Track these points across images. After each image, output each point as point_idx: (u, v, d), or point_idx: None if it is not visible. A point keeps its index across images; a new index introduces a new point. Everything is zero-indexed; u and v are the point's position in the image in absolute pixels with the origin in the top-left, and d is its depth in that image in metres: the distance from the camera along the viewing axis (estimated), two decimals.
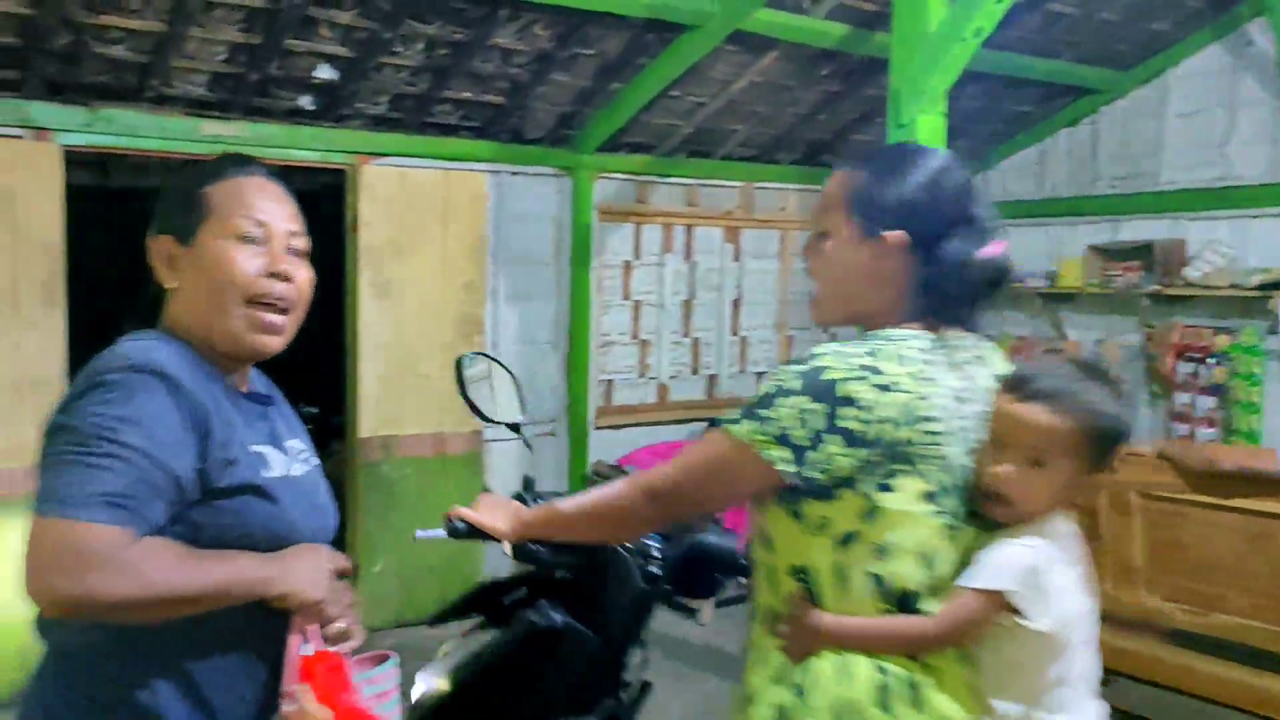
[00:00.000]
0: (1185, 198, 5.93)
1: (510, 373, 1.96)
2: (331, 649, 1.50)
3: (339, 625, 1.52)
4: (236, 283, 1.54)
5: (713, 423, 1.61)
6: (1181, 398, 5.84)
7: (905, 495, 1.49)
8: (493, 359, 2.18)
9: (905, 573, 1.52)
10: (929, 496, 1.50)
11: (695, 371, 6.32)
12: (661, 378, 6.17)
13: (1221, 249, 5.61)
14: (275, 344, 1.58)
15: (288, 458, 1.60)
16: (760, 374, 6.60)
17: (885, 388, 1.48)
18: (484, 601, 2.05)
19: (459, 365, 2.12)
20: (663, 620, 5.20)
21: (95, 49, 4.15)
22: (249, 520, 1.48)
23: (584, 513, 1.77)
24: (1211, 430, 5.72)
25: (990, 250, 1.58)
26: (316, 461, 1.72)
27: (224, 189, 1.57)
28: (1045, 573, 1.52)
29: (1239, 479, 3.58)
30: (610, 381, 5.99)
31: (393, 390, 5.05)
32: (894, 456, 1.48)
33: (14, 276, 4.13)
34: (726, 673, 4.62)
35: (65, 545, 1.30)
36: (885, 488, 1.49)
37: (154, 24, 4.10)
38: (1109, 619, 3.51)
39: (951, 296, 1.57)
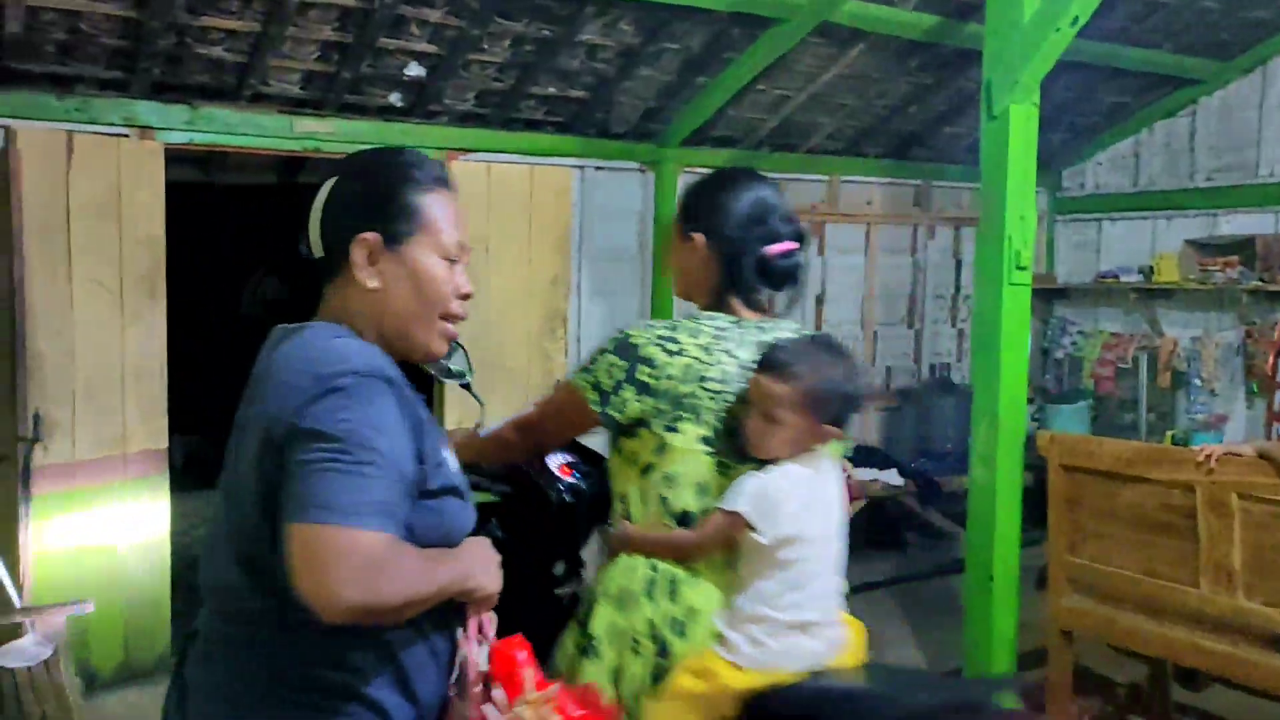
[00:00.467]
0: None
1: (460, 345, 2.20)
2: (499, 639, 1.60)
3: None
4: (443, 300, 1.60)
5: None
6: None
7: (687, 437, 1.94)
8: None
9: (686, 497, 1.96)
10: (705, 440, 1.94)
11: None
12: None
13: None
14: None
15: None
16: None
17: (675, 353, 1.94)
18: None
19: None
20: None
21: (196, 50, 4.28)
22: (449, 520, 1.54)
23: (487, 439, 2.30)
24: None
25: (779, 248, 2.02)
26: None
27: (436, 202, 1.60)
28: (776, 499, 1.88)
29: None
30: None
31: (479, 384, 5.10)
32: (678, 406, 1.93)
33: (119, 271, 4.28)
34: None
35: (353, 554, 1.30)
36: (672, 429, 1.94)
37: (251, 24, 4.21)
38: (1205, 622, 3.41)
39: (748, 285, 2.02)
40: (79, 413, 4.18)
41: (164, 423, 4.47)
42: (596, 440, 2.18)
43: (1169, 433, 6.06)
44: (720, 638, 1.91)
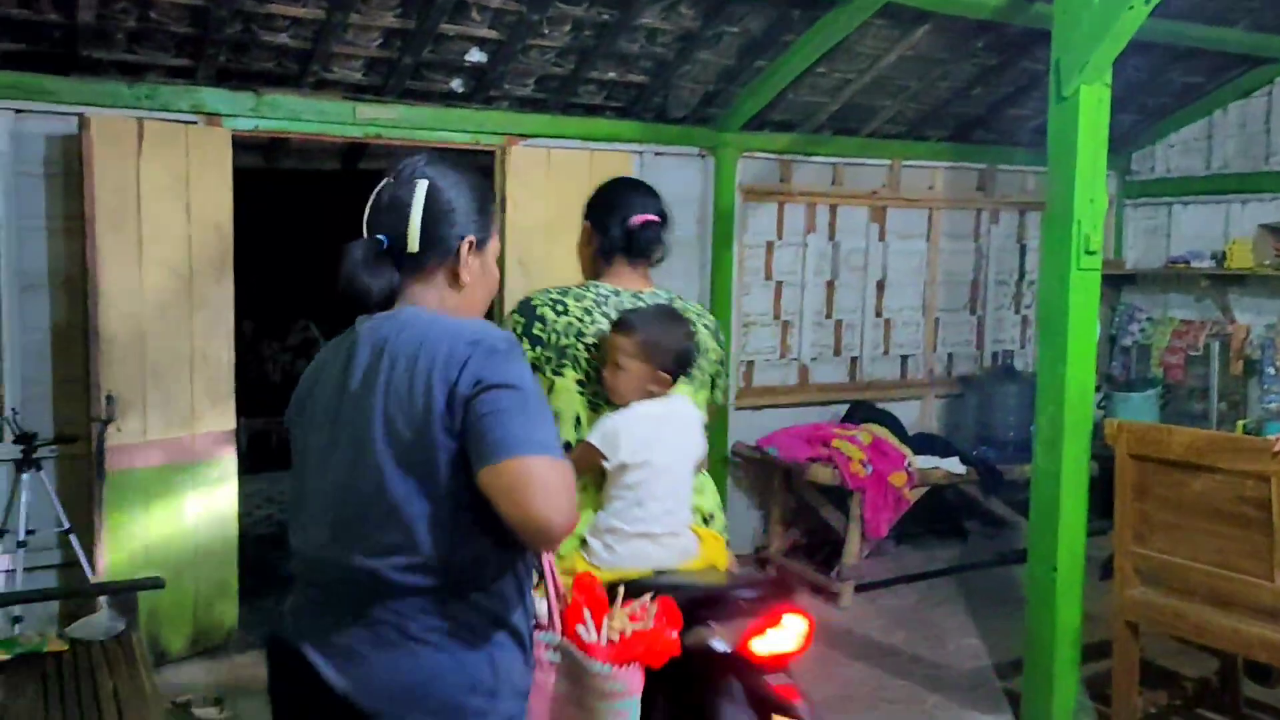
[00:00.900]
0: None
1: None
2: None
3: None
4: (494, 295, 1.94)
5: None
6: None
7: (568, 380, 2.46)
8: None
9: (567, 430, 2.45)
10: (580, 383, 2.47)
11: (837, 353, 6.23)
12: (803, 359, 6.11)
13: None
14: None
15: None
16: (905, 357, 6.46)
17: (561, 313, 2.45)
18: None
19: None
20: (802, 604, 5.18)
21: (262, 37, 4.34)
22: None
23: None
24: None
25: (638, 219, 2.53)
26: None
27: (495, 213, 1.87)
28: (620, 433, 2.34)
29: None
30: (751, 362, 5.96)
31: None
32: (561, 355, 2.45)
33: (188, 256, 4.36)
34: (869, 658, 4.56)
35: (562, 481, 1.54)
36: (558, 374, 2.46)
37: (315, 11, 4.26)
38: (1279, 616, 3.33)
39: (617, 255, 2.54)
40: (149, 394, 4.27)
41: (231, 404, 4.56)
42: None
43: (1240, 422, 5.90)
44: (584, 544, 2.40)
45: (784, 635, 2.27)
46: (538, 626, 1.85)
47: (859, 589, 5.29)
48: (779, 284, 5.98)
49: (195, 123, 4.45)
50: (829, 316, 6.17)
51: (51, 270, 4.31)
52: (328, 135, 4.85)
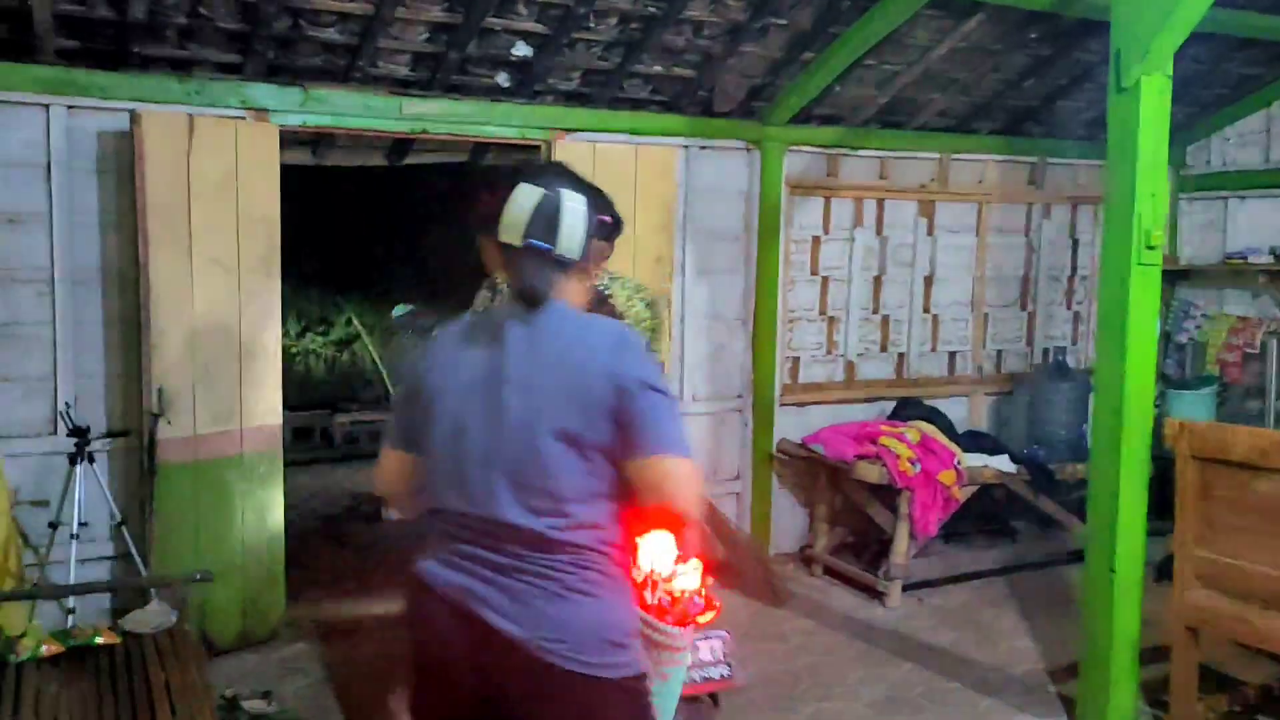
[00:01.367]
0: None
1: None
2: None
3: None
4: None
5: None
6: None
7: None
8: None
9: None
10: None
11: (884, 349, 6.15)
12: (849, 355, 6.03)
13: None
14: None
15: None
16: (953, 354, 6.36)
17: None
18: None
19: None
20: (848, 603, 5.12)
21: (309, 32, 4.34)
22: None
23: None
24: None
25: (598, 217, 2.68)
26: None
27: None
28: None
29: None
30: (797, 358, 5.89)
31: None
32: None
33: (236, 251, 4.37)
34: (917, 659, 4.49)
35: (698, 479, 1.89)
36: None
37: (363, 6, 4.25)
38: None
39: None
40: (198, 388, 4.30)
41: (278, 399, 4.58)
42: None
43: None
44: None
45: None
46: None
47: (906, 588, 5.21)
48: (825, 279, 5.91)
49: (244, 118, 4.47)
50: (875, 312, 6.09)
51: (104, 265, 4.35)
52: (374, 130, 4.85)
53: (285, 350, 4.67)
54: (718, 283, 5.61)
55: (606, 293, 3.34)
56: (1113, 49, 3.65)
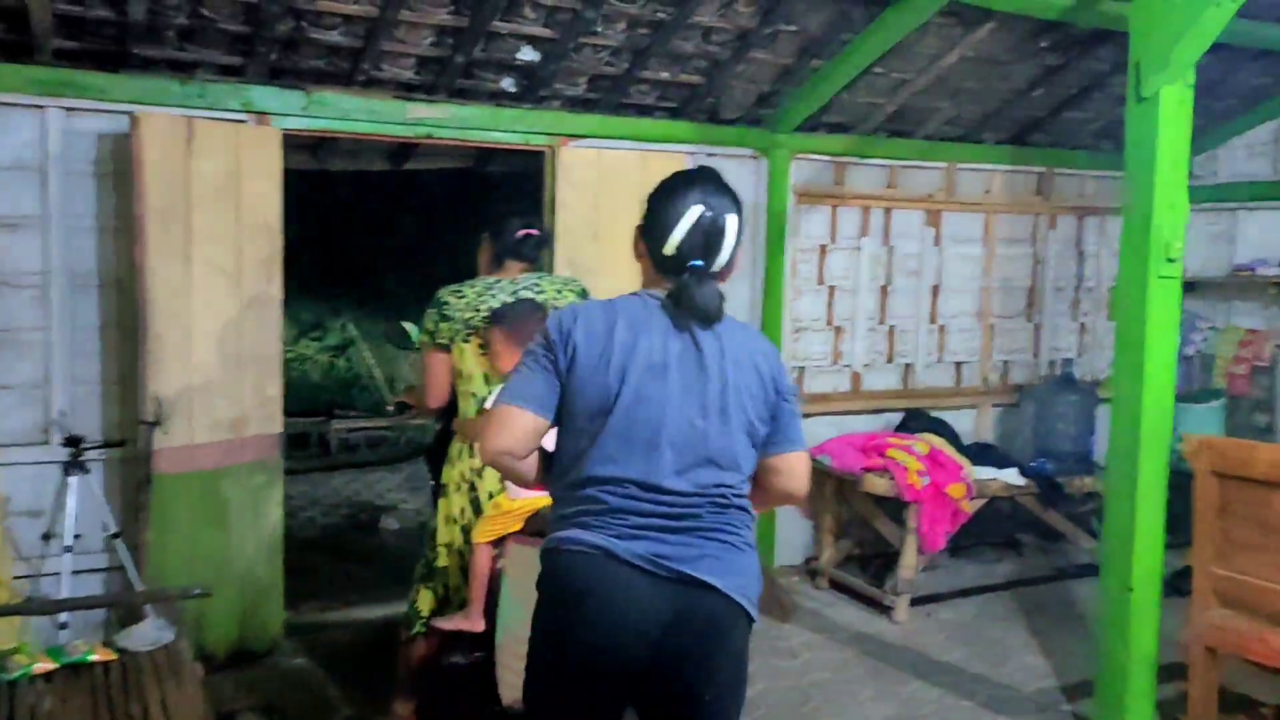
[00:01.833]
0: None
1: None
2: None
3: None
4: None
5: None
6: None
7: (471, 346, 3.41)
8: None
9: (476, 386, 3.43)
10: (480, 348, 3.38)
11: (890, 360, 6.08)
12: (855, 366, 5.97)
13: None
14: None
15: None
16: (959, 364, 6.30)
17: (460, 298, 3.45)
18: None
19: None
20: (855, 617, 5.05)
21: (312, 34, 4.27)
22: None
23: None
24: None
25: (521, 231, 3.55)
26: None
27: None
28: None
29: None
30: (802, 368, 5.82)
31: None
32: (466, 325, 3.41)
33: (238, 256, 4.29)
34: (927, 676, 4.41)
35: (810, 467, 2.35)
36: (465, 341, 3.41)
37: (368, 8, 4.18)
38: None
39: (509, 256, 3.56)
40: (196, 396, 4.21)
41: (279, 407, 4.49)
42: None
43: None
44: (504, 483, 3.21)
45: None
46: None
47: (913, 602, 5.14)
48: (832, 289, 5.84)
49: (245, 121, 4.39)
50: (882, 322, 6.02)
51: (101, 270, 4.27)
52: (378, 135, 4.78)
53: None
54: (724, 291, 5.51)
55: (538, 291, 3.48)
56: (1131, 58, 3.60)
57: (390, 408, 5.80)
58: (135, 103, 4.17)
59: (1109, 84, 5.73)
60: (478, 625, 3.19)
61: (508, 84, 4.82)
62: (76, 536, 3.97)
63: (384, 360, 10.66)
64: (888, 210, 5.94)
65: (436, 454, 3.93)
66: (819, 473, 5.48)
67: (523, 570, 2.70)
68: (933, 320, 6.16)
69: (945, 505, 5.06)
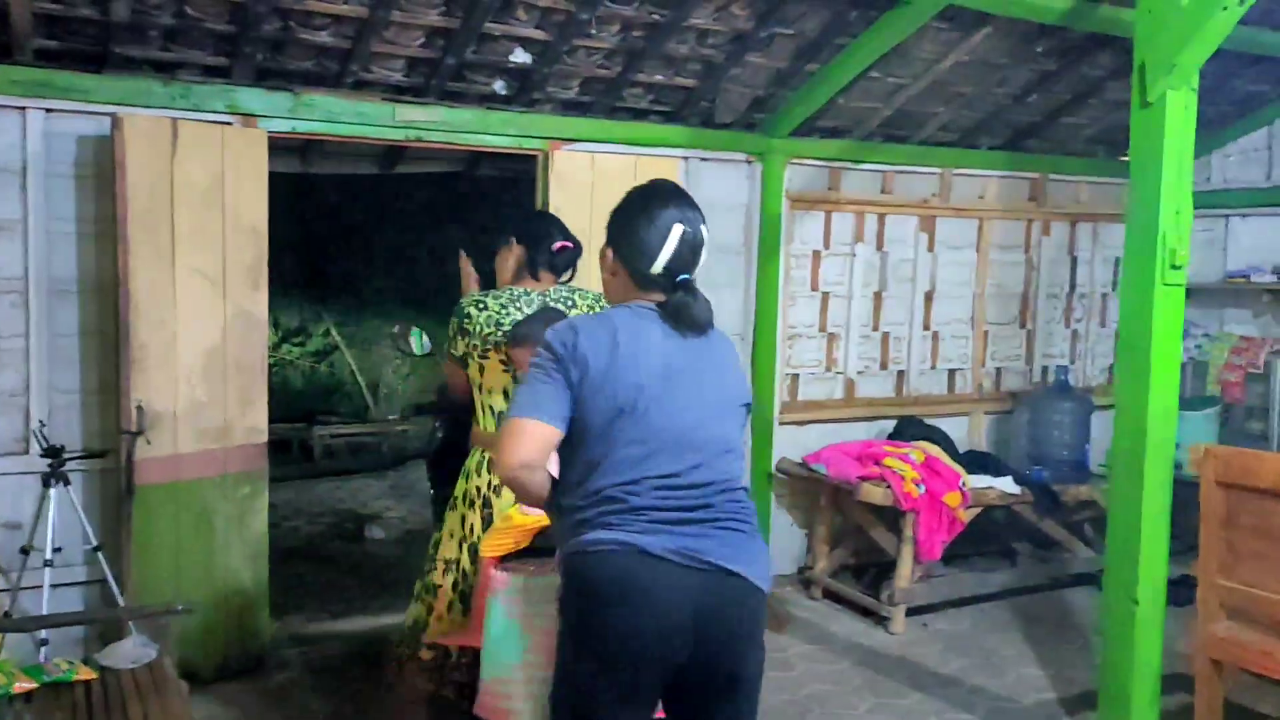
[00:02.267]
0: None
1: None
2: None
3: None
4: None
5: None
6: None
7: (493, 361, 3.19)
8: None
9: (497, 400, 3.24)
10: (503, 363, 3.17)
11: (884, 367, 6.02)
12: (849, 373, 5.90)
13: None
14: None
15: None
16: (953, 371, 6.25)
17: (482, 310, 3.20)
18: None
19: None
20: (851, 627, 4.98)
21: (300, 35, 4.17)
22: None
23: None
24: None
25: (559, 246, 3.32)
26: None
27: None
28: None
29: None
30: (796, 375, 5.76)
31: None
32: (485, 342, 3.17)
33: (222, 261, 4.19)
34: (925, 688, 4.35)
35: None
36: (485, 357, 3.19)
37: (357, 8, 4.09)
38: None
39: (542, 268, 3.30)
40: (180, 405, 4.11)
41: (263, 416, 4.39)
42: None
43: None
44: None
45: None
46: None
47: (908, 612, 5.08)
48: (825, 295, 5.78)
49: (231, 123, 4.29)
50: (876, 329, 5.96)
51: (81, 275, 4.16)
52: (367, 137, 4.69)
53: None
54: (717, 298, 5.32)
55: (570, 305, 3.25)
56: (1136, 62, 3.55)
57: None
58: (118, 104, 4.07)
59: (1104, 89, 5.69)
60: (479, 640, 3.09)
61: (499, 87, 4.74)
62: (57, 550, 3.85)
63: (367, 366, 10.53)
64: (882, 216, 5.89)
65: (439, 464, 3.81)
66: (813, 481, 5.42)
67: (521, 601, 2.58)
68: (926, 327, 6.10)
69: (942, 514, 5.00)
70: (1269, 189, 6.20)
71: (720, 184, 5.40)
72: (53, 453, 3.87)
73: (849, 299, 5.85)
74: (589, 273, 3.64)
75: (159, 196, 4.01)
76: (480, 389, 3.25)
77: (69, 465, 3.94)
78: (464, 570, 3.27)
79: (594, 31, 4.49)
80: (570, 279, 3.39)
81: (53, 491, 3.85)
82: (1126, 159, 6.38)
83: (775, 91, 5.18)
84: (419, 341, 4.29)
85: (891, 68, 5.11)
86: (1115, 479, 3.72)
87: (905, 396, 6.08)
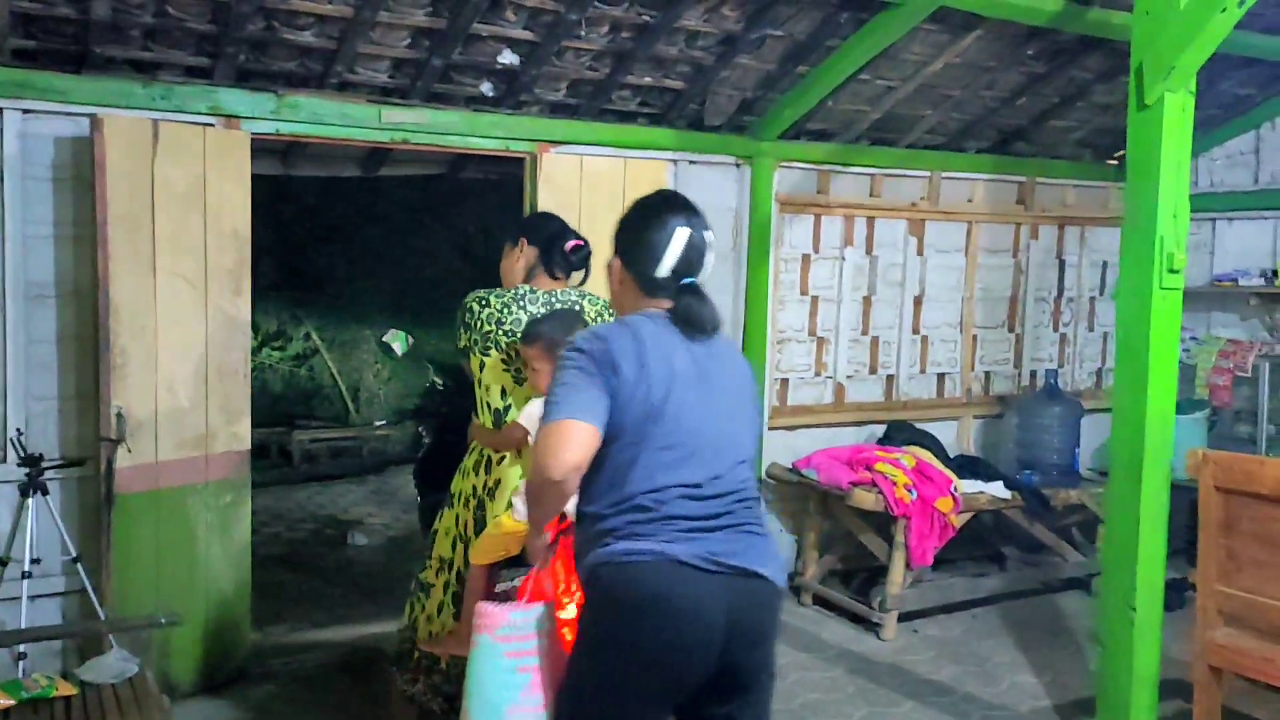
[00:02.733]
0: None
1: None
2: None
3: None
4: None
5: None
6: None
7: (494, 359, 3.22)
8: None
9: (495, 397, 3.26)
10: (504, 361, 3.21)
11: (873, 371, 5.98)
12: (838, 377, 5.87)
13: None
14: None
15: None
16: (942, 375, 6.22)
17: (484, 306, 3.23)
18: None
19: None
20: (842, 634, 4.94)
21: (284, 35, 4.10)
22: None
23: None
24: None
25: (572, 244, 3.32)
26: None
27: None
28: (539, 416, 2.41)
29: None
30: (785, 380, 5.71)
31: None
32: (486, 339, 3.21)
33: (204, 265, 4.11)
34: (919, 696, 4.31)
35: None
36: (485, 353, 3.23)
37: (342, 8, 4.02)
38: None
39: (558, 267, 3.32)
40: (161, 412, 4.02)
41: (246, 422, 4.31)
42: None
43: None
44: (510, 504, 3.11)
45: None
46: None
47: (899, 618, 5.03)
48: (815, 299, 5.74)
49: (213, 125, 4.20)
50: (865, 333, 5.92)
51: (59, 280, 4.06)
52: (351, 140, 4.62)
53: None
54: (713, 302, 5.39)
55: (578, 309, 3.27)
56: (1133, 65, 3.52)
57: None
58: (97, 105, 3.98)
59: (1092, 92, 5.68)
60: (465, 650, 3.02)
61: (487, 88, 4.67)
62: (35, 561, 3.75)
63: (348, 370, 10.43)
64: (871, 219, 5.85)
65: (425, 469, 3.76)
66: (803, 487, 5.37)
67: (515, 639, 2.44)
68: (915, 331, 6.07)
69: (934, 520, 4.96)
70: (1256, 192, 6.21)
71: (709, 187, 5.35)
72: (31, 461, 3.77)
73: (838, 303, 5.81)
74: (592, 278, 3.54)
75: (139, 199, 3.92)
76: (479, 383, 3.28)
77: (47, 474, 3.84)
78: (458, 571, 3.24)
79: (583, 33, 4.44)
80: (585, 280, 3.40)
81: (31, 501, 3.75)
82: (1114, 162, 6.46)
83: (764, 94, 5.14)
84: (402, 343, 4.24)
85: (881, 70, 5.07)
86: (1113, 484, 3.69)
87: (895, 401, 6.04)
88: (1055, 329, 6.58)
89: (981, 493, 5.26)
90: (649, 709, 2.21)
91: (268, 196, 5.90)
